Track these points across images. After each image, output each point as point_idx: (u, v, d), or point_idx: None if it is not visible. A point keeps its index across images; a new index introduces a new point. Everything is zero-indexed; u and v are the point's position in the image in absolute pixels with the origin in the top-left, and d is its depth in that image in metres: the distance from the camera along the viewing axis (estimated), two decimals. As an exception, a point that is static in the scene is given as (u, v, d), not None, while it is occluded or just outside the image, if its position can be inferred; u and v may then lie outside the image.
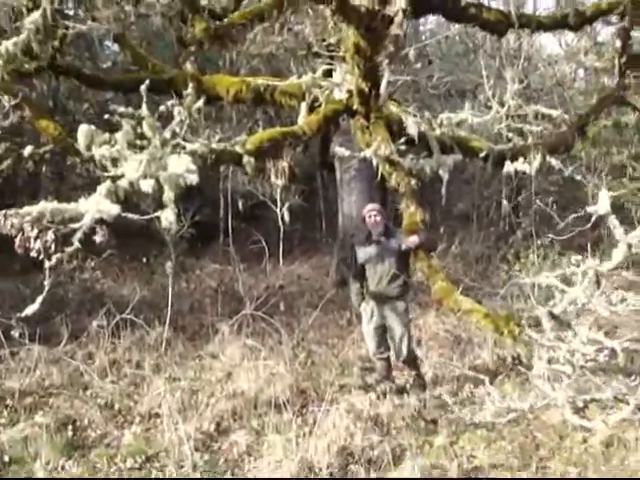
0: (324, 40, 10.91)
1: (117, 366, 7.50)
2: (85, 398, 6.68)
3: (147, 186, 4.36)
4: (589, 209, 4.39)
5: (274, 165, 13.73)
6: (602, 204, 4.42)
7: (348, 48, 6.35)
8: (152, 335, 8.23)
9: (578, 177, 10.45)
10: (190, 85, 5.27)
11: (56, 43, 8.04)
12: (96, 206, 4.18)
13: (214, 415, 6.11)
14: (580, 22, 9.91)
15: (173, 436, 5.61)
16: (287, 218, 13.23)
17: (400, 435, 5.80)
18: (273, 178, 13.61)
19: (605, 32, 17.73)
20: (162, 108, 4.87)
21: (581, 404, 4.70)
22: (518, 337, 5.22)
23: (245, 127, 10.78)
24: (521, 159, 7.23)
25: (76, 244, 4.21)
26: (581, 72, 19.91)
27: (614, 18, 9.43)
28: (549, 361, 4.59)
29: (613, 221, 4.38)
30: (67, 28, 7.58)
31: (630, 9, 6.96)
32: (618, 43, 6.97)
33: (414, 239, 6.22)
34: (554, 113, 7.84)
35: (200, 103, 5.16)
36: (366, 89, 6.75)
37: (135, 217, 4.29)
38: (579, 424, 4.92)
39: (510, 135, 7.87)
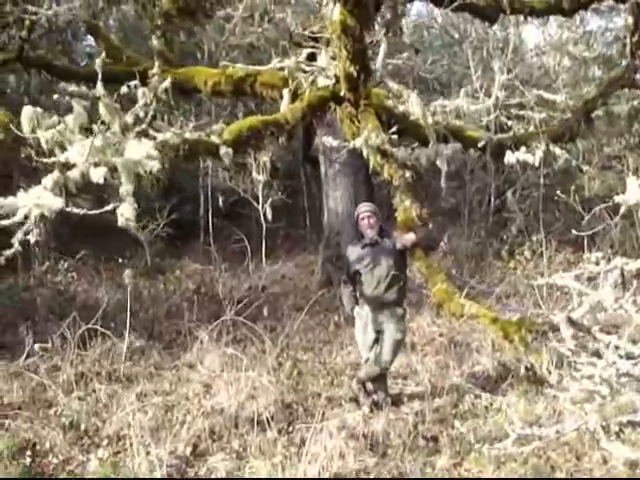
0: (306, 30, 10.35)
1: (85, 380, 6.80)
2: (48, 418, 6.01)
3: (98, 175, 3.72)
4: (618, 199, 3.80)
5: (255, 159, 13.22)
6: (632, 193, 3.84)
7: (334, 27, 5.76)
8: (125, 344, 7.55)
9: (584, 167, 9.85)
10: (156, 63, 4.64)
11: (24, 33, 7.47)
12: (36, 200, 3.52)
13: (190, 436, 5.46)
14: (574, 7, 9.42)
15: (144, 462, 4.98)
16: (270, 215, 12.71)
17: (398, 456, 5.19)
18: (254, 173, 13.16)
19: (594, 21, 17.39)
20: (124, 89, 4.22)
21: (616, 427, 4.13)
22: (530, 345, 4.67)
23: (223, 117, 10.16)
24: (523, 148, 6.67)
25: (16, 246, 3.55)
26: (567, 62, 19.48)
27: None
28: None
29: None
30: (35, 14, 7.03)
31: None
32: (630, 19, 6.38)
33: (410, 237, 5.63)
34: (558, 98, 7.28)
35: (167, 83, 4.53)
36: (354, 73, 6.16)
37: (81, 212, 3.64)
38: (616, 452, 4.28)
39: (509, 123, 7.29)
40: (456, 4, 8.37)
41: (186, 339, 7.97)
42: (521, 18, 14.63)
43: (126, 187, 3.83)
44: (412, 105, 6.38)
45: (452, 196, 15.81)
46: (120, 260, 11.76)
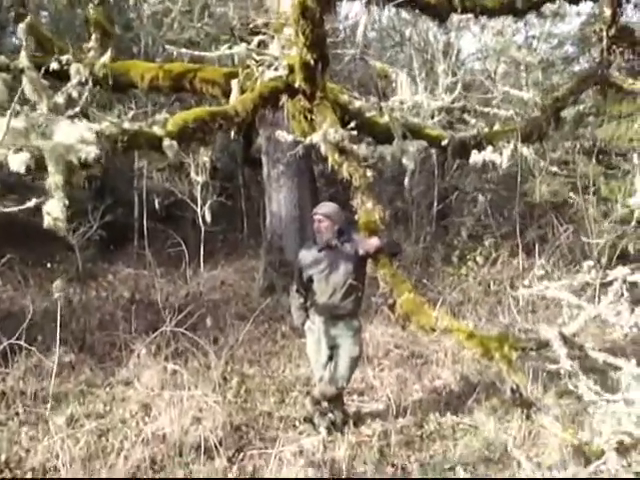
0: (249, 24, 9.81)
1: (7, 401, 6.05)
2: (-39, 447, 5.27)
3: (18, 163, 3.05)
4: (632, 201, 3.35)
5: (194, 159, 12.55)
6: (642, 195, 3.38)
7: (293, 7, 5.18)
8: (53, 358, 6.81)
9: (555, 169, 9.47)
10: (93, 36, 3.99)
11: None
12: None
13: (128, 467, 4.82)
14: (527, 7, 9.10)
15: (74, 499, 4.33)
16: (208, 218, 12.05)
17: (365, 487, 4.66)
18: (193, 174, 12.49)
19: (538, 25, 17.27)
20: (54, 65, 3.55)
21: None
22: (514, 363, 4.18)
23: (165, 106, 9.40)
24: (489, 148, 6.21)
25: None
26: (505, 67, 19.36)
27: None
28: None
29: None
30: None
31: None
32: (607, 11, 5.96)
33: (373, 242, 5.08)
34: (525, 95, 6.86)
35: (106, 58, 3.88)
36: (312, 61, 5.59)
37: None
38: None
39: (472, 122, 6.84)
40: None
41: (121, 352, 7.27)
42: (462, 23, 14.52)
43: (55, 179, 3.17)
44: (400, 86, 5.83)
45: (394, 200, 15.46)
46: (49, 265, 10.96)
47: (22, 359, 6.74)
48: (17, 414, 5.82)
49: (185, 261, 11.96)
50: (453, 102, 8.17)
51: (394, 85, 6.13)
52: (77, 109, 3.55)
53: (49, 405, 5.96)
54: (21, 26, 3.30)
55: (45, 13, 15.38)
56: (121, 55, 11.92)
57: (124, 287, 11.30)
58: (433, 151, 13.63)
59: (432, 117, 7.82)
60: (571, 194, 13.05)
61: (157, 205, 13.18)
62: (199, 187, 12.22)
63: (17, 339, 6.41)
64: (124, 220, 14.49)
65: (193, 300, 10.29)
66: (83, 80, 3.59)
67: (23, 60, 3.33)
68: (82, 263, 11.08)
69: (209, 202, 12.14)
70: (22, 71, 3.35)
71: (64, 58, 3.68)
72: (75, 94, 3.55)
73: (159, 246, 13.75)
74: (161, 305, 8.42)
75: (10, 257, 10.69)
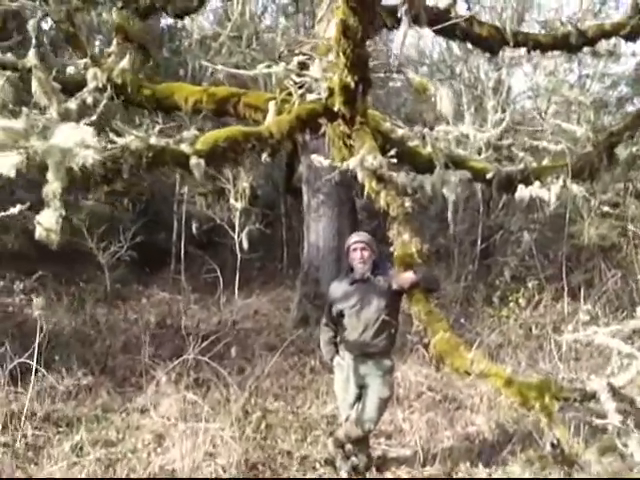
0: (295, 50, 9.64)
1: (16, 422, 5.80)
2: (-37, 469, 5.02)
3: (9, 166, 2.79)
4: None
5: (234, 185, 12.39)
6: None
7: (335, 26, 4.94)
8: (70, 380, 6.58)
9: (607, 209, 9.03)
10: (114, 40, 3.75)
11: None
12: None
13: (132, 503, 4.53)
14: (582, 42, 8.82)
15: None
16: (246, 245, 11.89)
17: None
18: (232, 200, 12.31)
19: (592, 65, 16.92)
20: (70, 69, 3.31)
21: None
22: (556, 415, 3.80)
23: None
24: (537, 183, 5.86)
25: None
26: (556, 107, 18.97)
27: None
28: None
29: None
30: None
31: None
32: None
33: (409, 276, 4.75)
34: (577, 130, 6.51)
35: (125, 63, 3.64)
36: (352, 84, 5.34)
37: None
38: None
39: (520, 155, 6.51)
40: (459, 33, 7.88)
41: (142, 378, 6.99)
42: (514, 60, 14.24)
43: (53, 186, 2.91)
44: (441, 101, 5.53)
45: (436, 237, 15.11)
46: (81, 284, 10.85)
47: (40, 379, 6.51)
48: (24, 436, 5.56)
49: (220, 288, 11.77)
50: (501, 138, 7.86)
51: (433, 99, 5.79)
52: (93, 117, 3.31)
53: (60, 428, 5.71)
54: (31, 22, 3.05)
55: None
56: (168, 79, 11.92)
57: (156, 311, 11.12)
58: (478, 188, 13.37)
59: (479, 154, 7.54)
60: (620, 238, 12.60)
61: (195, 230, 13.05)
62: (237, 213, 12.05)
63: (36, 358, 6.21)
64: (164, 244, 14.43)
65: (224, 328, 10.05)
66: (100, 85, 3.36)
67: (31, 59, 3.10)
68: (110, 283, 10.92)
69: (247, 229, 11.95)
70: (30, 70, 3.13)
71: (82, 62, 3.44)
72: (90, 100, 3.31)
73: (196, 271, 13.60)
74: (187, 331, 8.16)
75: (42, 274, 10.60)
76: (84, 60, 3.53)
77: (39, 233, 2.98)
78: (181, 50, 15.32)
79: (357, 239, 5.29)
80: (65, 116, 3.17)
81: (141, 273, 13.85)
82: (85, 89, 3.38)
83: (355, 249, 5.22)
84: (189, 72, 14.44)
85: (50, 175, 2.92)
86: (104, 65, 3.58)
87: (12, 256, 11.24)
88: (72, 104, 3.27)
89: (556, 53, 10.14)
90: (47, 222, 2.94)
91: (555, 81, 16.11)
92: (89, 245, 11.40)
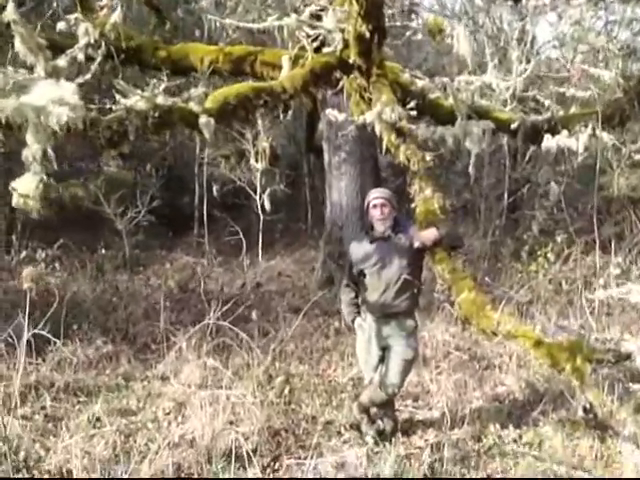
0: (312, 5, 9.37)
1: (35, 393, 5.70)
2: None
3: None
4: None
5: (254, 146, 12.18)
6: None
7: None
8: (90, 349, 6.49)
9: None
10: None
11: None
12: None
13: (151, 473, 4.39)
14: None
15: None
16: (268, 206, 11.71)
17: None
18: (252, 161, 12.11)
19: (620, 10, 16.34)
20: (61, 25, 3.09)
21: None
22: (587, 378, 3.59)
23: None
24: (564, 132, 5.59)
25: None
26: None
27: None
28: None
29: None
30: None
31: None
32: None
33: (432, 233, 4.54)
34: (606, 75, 6.20)
35: (116, 16, 3.42)
36: (367, 33, 5.08)
37: None
38: None
39: (546, 103, 6.22)
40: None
41: (163, 345, 6.88)
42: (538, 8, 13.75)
43: (32, 149, 2.72)
44: (458, 42, 5.26)
45: (462, 192, 14.83)
46: (102, 251, 10.78)
47: (59, 348, 6.43)
48: (43, 408, 5.47)
49: (243, 251, 11.64)
50: (526, 90, 7.54)
51: (450, 41, 5.51)
52: (88, 76, 3.10)
53: (80, 398, 5.62)
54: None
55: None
56: (185, 39, 11.71)
57: (179, 275, 11.00)
58: (504, 141, 13.03)
59: (504, 106, 7.25)
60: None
61: (215, 192, 12.90)
62: (259, 174, 11.87)
63: (56, 328, 6.12)
64: (187, 209, 14.35)
65: (247, 290, 9.93)
66: (92, 41, 3.15)
67: (10, 13, 2.88)
68: (130, 249, 10.82)
69: (268, 190, 11.76)
70: (8, 26, 2.92)
71: (72, 17, 3.23)
72: (81, 56, 3.11)
73: (219, 235, 13.49)
74: (210, 296, 8.02)
75: (63, 242, 10.52)
76: (74, 15, 3.32)
77: (16, 201, 2.78)
78: (195, 10, 15.05)
79: (376, 195, 5.05)
80: (54, 75, 2.98)
81: (165, 238, 13.79)
82: (77, 45, 3.18)
83: (375, 205, 4.97)
84: (205, 33, 14.18)
85: (29, 137, 2.73)
86: (97, 19, 3.38)
87: (34, 225, 11.15)
88: (61, 61, 3.08)
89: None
90: (25, 188, 2.75)
91: (581, 29, 15.60)
92: (109, 211, 11.32)
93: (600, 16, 16.59)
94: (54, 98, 2.76)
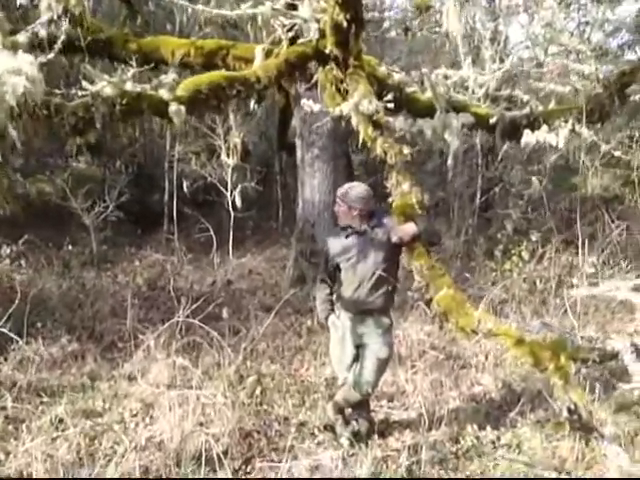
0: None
1: (-3, 394, 5.49)
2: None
3: None
4: None
5: (225, 141, 11.98)
6: None
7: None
8: (55, 347, 6.27)
9: (618, 153, 8.61)
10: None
11: None
12: None
13: (117, 476, 4.20)
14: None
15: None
16: (239, 203, 11.50)
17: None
18: (223, 156, 11.92)
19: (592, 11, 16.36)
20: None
21: None
22: (571, 378, 3.47)
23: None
24: (544, 128, 5.48)
25: None
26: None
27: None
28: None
29: None
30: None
31: None
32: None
33: (409, 228, 4.41)
34: (586, 69, 6.11)
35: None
36: (344, 23, 4.92)
37: None
38: None
39: (525, 99, 6.12)
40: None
41: (130, 343, 6.66)
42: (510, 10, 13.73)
43: (-11, 128, 2.53)
44: (447, 16, 5.13)
45: (435, 192, 14.74)
46: (69, 247, 10.53)
47: (22, 347, 6.20)
48: (4, 409, 5.24)
49: (214, 248, 11.46)
50: (500, 89, 7.44)
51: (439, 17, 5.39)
52: (51, 55, 2.91)
53: (42, 399, 5.41)
54: None
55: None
56: (156, 34, 11.48)
57: (148, 273, 10.77)
58: (477, 140, 12.96)
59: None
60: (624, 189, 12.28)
61: (186, 188, 12.69)
62: (229, 170, 11.68)
63: (18, 325, 5.90)
64: (157, 206, 14.11)
65: (218, 288, 9.75)
66: (55, 17, 2.97)
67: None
68: (97, 246, 10.60)
69: (239, 187, 11.57)
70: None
71: (34, -8, 3.05)
72: (42, 32, 2.92)
73: (190, 232, 13.27)
74: (180, 293, 7.82)
75: (29, 238, 10.26)
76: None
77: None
78: (167, 3, 14.80)
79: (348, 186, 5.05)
80: (13, 49, 2.79)
81: (134, 235, 13.52)
82: (38, 21, 3.00)
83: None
84: (177, 27, 13.94)
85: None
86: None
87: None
88: (22, 37, 2.89)
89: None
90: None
91: (553, 30, 15.59)
92: (77, 206, 11.08)
93: (573, 17, 16.66)
94: (10, 68, 2.57)
